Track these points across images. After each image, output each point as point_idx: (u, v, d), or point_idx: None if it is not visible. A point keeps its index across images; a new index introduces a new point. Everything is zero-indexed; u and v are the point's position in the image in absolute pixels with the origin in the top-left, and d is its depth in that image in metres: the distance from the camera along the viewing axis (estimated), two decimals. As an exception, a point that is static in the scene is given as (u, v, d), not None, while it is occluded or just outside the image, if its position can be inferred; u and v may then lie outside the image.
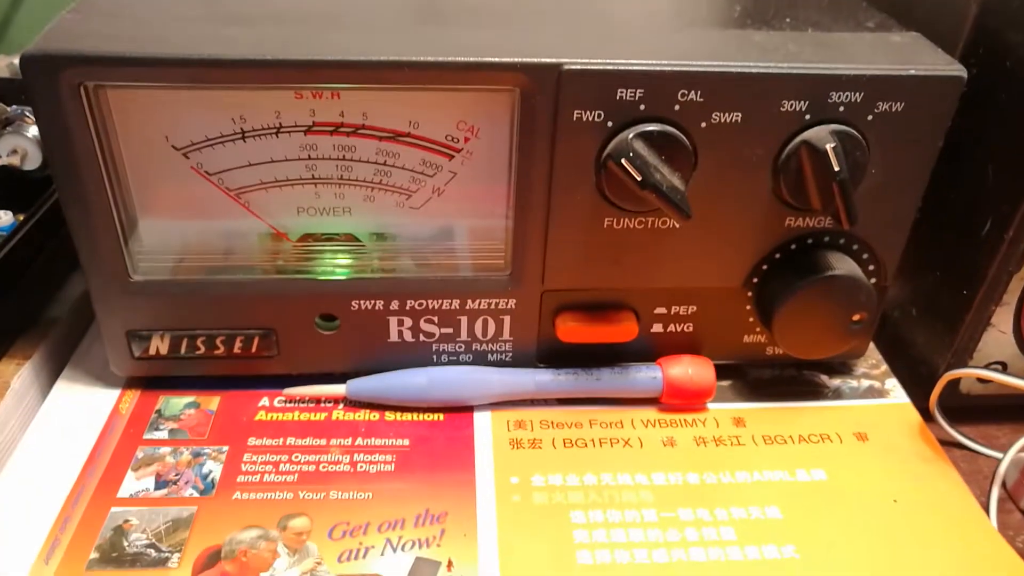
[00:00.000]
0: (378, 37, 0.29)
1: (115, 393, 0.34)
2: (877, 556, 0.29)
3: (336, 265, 0.33)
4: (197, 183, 0.31)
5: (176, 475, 0.30)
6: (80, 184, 0.29)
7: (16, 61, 0.52)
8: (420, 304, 0.33)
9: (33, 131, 0.39)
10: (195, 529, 0.28)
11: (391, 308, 0.33)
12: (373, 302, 0.33)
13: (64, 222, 0.35)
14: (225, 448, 0.32)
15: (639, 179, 0.28)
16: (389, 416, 0.34)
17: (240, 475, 0.31)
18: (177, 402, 0.33)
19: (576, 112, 0.29)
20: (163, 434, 0.32)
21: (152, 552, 0.28)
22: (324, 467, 0.31)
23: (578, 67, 0.28)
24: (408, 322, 0.33)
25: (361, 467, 0.31)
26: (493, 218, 0.32)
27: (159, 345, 0.33)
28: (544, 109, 0.29)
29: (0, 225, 0.37)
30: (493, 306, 0.33)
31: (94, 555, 0.27)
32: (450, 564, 0.28)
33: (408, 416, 0.34)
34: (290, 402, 0.34)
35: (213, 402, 0.34)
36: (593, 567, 0.28)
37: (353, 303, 0.33)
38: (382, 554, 0.28)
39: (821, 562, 0.28)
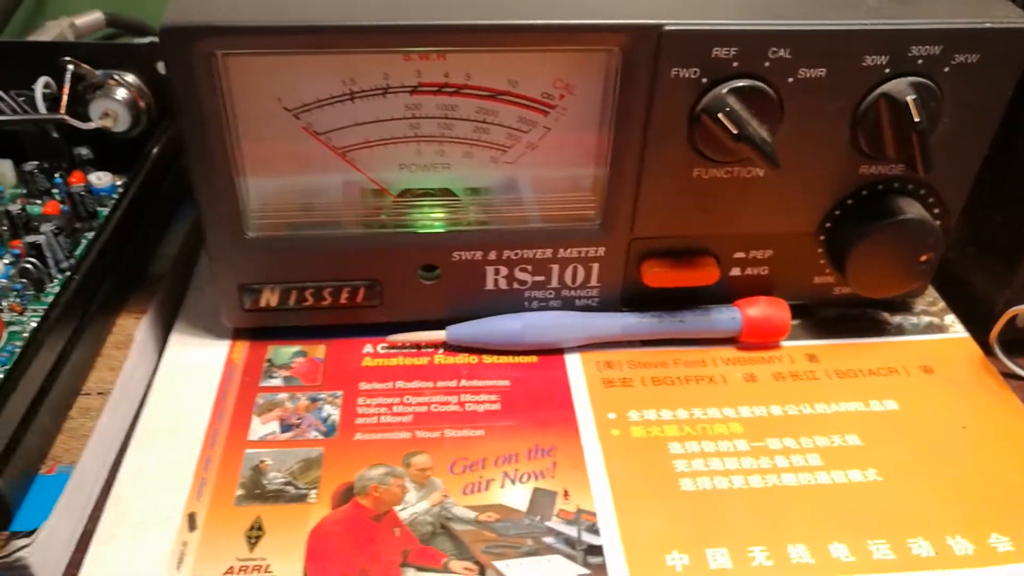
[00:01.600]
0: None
1: (226, 344, 0.36)
2: (953, 477, 0.31)
3: (433, 219, 0.35)
4: (307, 142, 0.32)
5: (298, 419, 0.32)
6: (207, 145, 0.30)
7: (77, 22, 0.53)
8: (516, 254, 0.35)
9: (121, 94, 0.41)
10: (325, 467, 0.31)
11: (489, 258, 0.35)
12: (473, 253, 0.34)
13: (159, 183, 0.37)
14: (339, 393, 0.34)
15: (735, 132, 0.30)
16: (487, 359, 0.36)
17: (358, 417, 0.33)
18: (286, 351, 0.36)
19: (674, 70, 0.30)
20: (278, 381, 0.34)
21: (291, 489, 0.30)
22: (435, 408, 0.33)
23: (678, 28, 0.30)
24: (504, 271, 0.35)
25: (469, 407, 0.33)
26: (583, 170, 0.34)
27: (269, 298, 0.35)
28: (643, 67, 0.30)
29: (102, 186, 0.39)
30: (584, 254, 0.35)
31: (240, 491, 0.30)
32: (566, 494, 0.30)
33: (504, 359, 0.36)
34: (392, 348, 0.36)
35: (319, 350, 0.36)
36: (696, 493, 0.30)
37: (454, 254, 0.34)
38: (502, 486, 0.30)
39: (903, 483, 0.31)
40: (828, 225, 0.35)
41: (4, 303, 0.32)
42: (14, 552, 0.26)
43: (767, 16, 0.30)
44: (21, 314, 0.32)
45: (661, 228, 0.34)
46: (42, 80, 0.39)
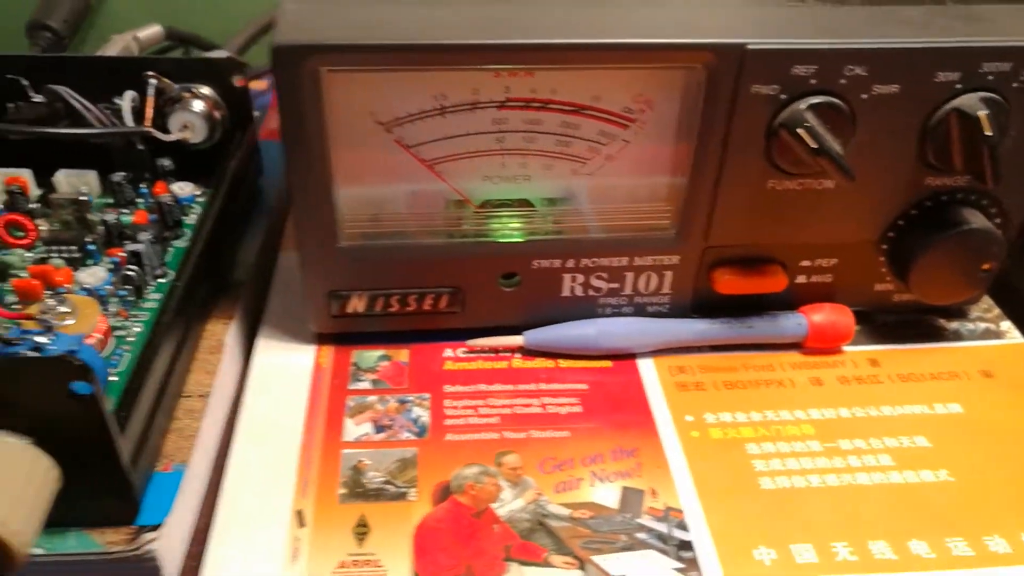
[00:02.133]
0: (572, 16, 0.32)
1: (311, 348, 0.37)
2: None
3: (512, 228, 0.36)
4: (397, 155, 0.34)
5: (390, 420, 0.34)
6: (307, 157, 0.32)
7: (140, 35, 0.54)
8: (593, 262, 0.36)
9: (198, 106, 0.42)
10: (420, 467, 0.32)
11: (567, 266, 0.36)
12: (552, 261, 0.36)
13: (237, 193, 0.39)
14: (427, 395, 0.35)
15: (814, 146, 0.31)
16: (564, 363, 0.37)
17: (446, 419, 0.34)
18: (370, 355, 0.37)
19: (754, 86, 0.32)
20: (366, 384, 0.36)
21: (391, 487, 0.31)
22: (519, 410, 0.35)
23: (761, 46, 0.31)
24: (580, 278, 0.37)
25: (551, 409, 0.35)
26: (658, 181, 0.35)
27: (356, 304, 0.36)
28: (726, 84, 0.32)
29: (183, 196, 0.40)
30: (658, 262, 0.36)
31: (342, 490, 0.31)
32: (653, 492, 0.32)
33: (580, 363, 0.37)
34: (471, 352, 0.37)
35: (402, 354, 0.37)
36: (776, 491, 0.32)
37: (534, 262, 0.36)
38: (591, 485, 0.32)
39: (975, 484, 0.32)
40: (891, 234, 0.37)
41: (111, 308, 0.33)
42: (144, 545, 0.27)
43: (842, 35, 0.32)
44: (126, 319, 0.33)
45: (734, 237, 0.36)
46: (129, 94, 0.41)
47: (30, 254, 0.37)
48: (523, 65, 0.32)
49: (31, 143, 0.41)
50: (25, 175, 0.41)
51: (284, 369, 0.36)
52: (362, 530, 0.30)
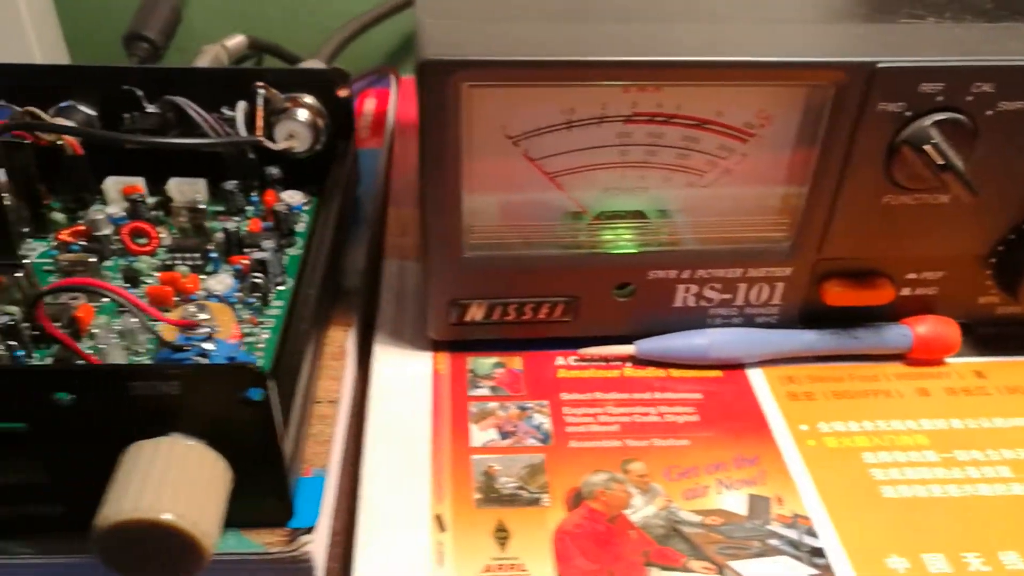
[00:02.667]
0: (700, 32, 0.32)
1: (427, 355, 0.38)
2: None
3: (626, 239, 0.37)
4: (523, 168, 0.35)
5: (513, 427, 0.35)
6: (443, 170, 0.33)
7: (228, 44, 0.55)
8: (708, 273, 0.37)
9: (302, 115, 0.43)
10: (549, 473, 0.33)
11: (682, 277, 0.37)
12: (667, 272, 0.37)
13: (344, 201, 0.40)
14: (545, 402, 0.36)
15: (941, 163, 0.32)
16: (675, 373, 0.38)
17: (567, 426, 0.35)
18: (485, 362, 0.38)
19: (881, 104, 0.32)
20: (485, 391, 0.36)
21: (524, 493, 0.32)
22: (637, 418, 0.35)
23: (891, 65, 0.32)
24: (694, 289, 0.37)
25: (669, 418, 0.35)
26: (774, 194, 0.36)
27: (475, 312, 0.37)
28: (853, 101, 0.32)
29: (294, 204, 0.41)
30: (771, 274, 0.37)
31: (477, 495, 0.32)
32: (779, 499, 0.32)
33: (691, 373, 0.38)
34: (583, 360, 0.38)
35: (515, 362, 0.38)
36: (899, 500, 0.32)
37: (650, 273, 0.37)
38: (718, 492, 0.32)
39: (1095, 495, 0.33)
40: (1001, 248, 0.37)
41: (244, 315, 0.34)
42: (302, 547, 0.28)
43: (968, 52, 0.32)
44: (255, 326, 0.34)
45: (846, 250, 0.36)
46: (242, 104, 0.41)
47: (154, 260, 0.38)
48: (656, 81, 0.33)
49: (144, 152, 0.42)
50: (139, 183, 0.42)
51: (404, 375, 0.37)
52: (502, 534, 0.30)
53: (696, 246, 0.37)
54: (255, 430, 0.26)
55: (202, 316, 0.32)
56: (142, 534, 0.23)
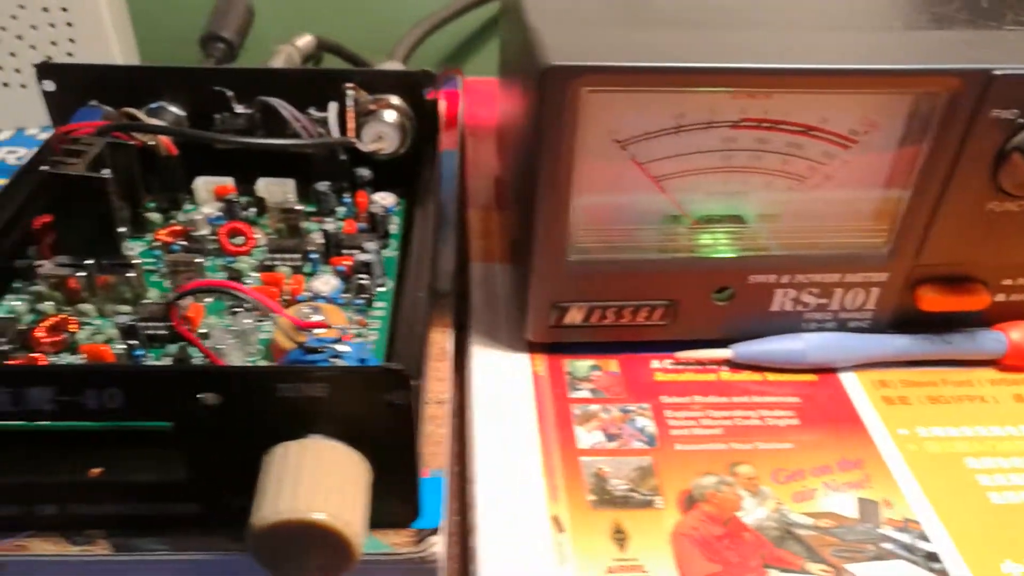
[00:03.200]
0: (812, 40, 0.33)
1: (524, 357, 0.38)
2: None
3: (724, 244, 0.37)
4: (629, 172, 0.35)
5: (618, 429, 0.35)
6: (557, 175, 0.33)
7: (299, 44, 0.55)
8: (807, 278, 0.37)
9: (390, 116, 0.43)
10: (658, 475, 0.33)
11: (782, 282, 0.37)
12: (768, 276, 0.37)
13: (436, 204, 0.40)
14: (647, 405, 0.36)
15: (1054, 170, 0.32)
16: (771, 377, 0.38)
17: (671, 429, 0.35)
18: (582, 365, 0.38)
19: (994, 111, 0.33)
20: (585, 393, 0.37)
21: (636, 495, 0.32)
22: (739, 422, 0.36)
23: (1008, 72, 0.32)
24: (792, 293, 0.37)
25: (770, 421, 0.36)
26: (873, 200, 0.36)
27: (575, 315, 0.37)
28: (966, 108, 0.33)
29: (389, 206, 0.41)
30: (868, 279, 0.37)
31: (591, 496, 0.32)
32: (887, 503, 0.32)
33: (786, 377, 0.38)
34: (678, 364, 0.38)
35: (611, 364, 0.38)
36: (1008, 506, 0.33)
37: (750, 278, 0.37)
38: (826, 495, 0.33)
39: None
40: (1096, 254, 0.37)
41: (352, 317, 0.35)
42: (430, 547, 0.28)
43: (1079, 60, 0.32)
44: (364, 328, 0.35)
45: (945, 256, 0.37)
46: (334, 106, 0.42)
47: (251, 260, 0.38)
48: (774, 88, 0.33)
49: (232, 152, 0.42)
50: (229, 183, 0.42)
51: (504, 377, 0.37)
52: (620, 536, 0.31)
53: (795, 251, 0.37)
54: (395, 432, 0.26)
55: (316, 318, 0.33)
56: (297, 534, 0.24)
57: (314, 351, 0.27)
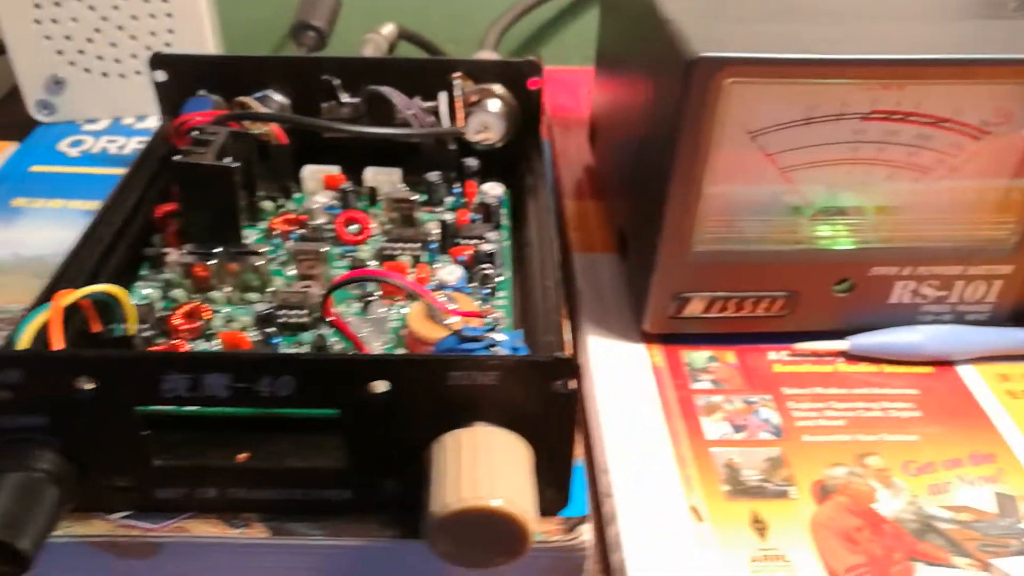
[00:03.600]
0: (947, 30, 0.33)
1: (640, 347, 0.38)
2: None
3: (844, 235, 0.37)
4: (757, 163, 0.35)
5: (743, 420, 0.35)
6: (693, 166, 0.33)
7: (384, 32, 0.55)
8: (928, 270, 0.37)
9: (494, 106, 0.43)
10: (788, 466, 0.33)
11: (903, 274, 0.37)
12: (889, 268, 0.37)
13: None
14: (768, 396, 0.36)
15: None
16: (887, 369, 0.38)
17: (796, 420, 0.35)
18: (699, 356, 0.38)
19: None
20: (706, 384, 0.37)
21: (769, 485, 0.32)
22: (862, 413, 0.36)
23: None
24: (912, 285, 0.37)
25: (892, 413, 0.36)
26: (999, 192, 0.36)
27: (696, 306, 0.37)
28: (1105, 99, 0.32)
29: (499, 195, 0.41)
30: (991, 272, 0.37)
31: (725, 487, 0.32)
32: None
33: (903, 369, 0.38)
34: (795, 355, 0.38)
35: (728, 355, 0.38)
36: None
37: (872, 270, 0.37)
38: (959, 489, 0.33)
39: None
40: None
41: (482, 305, 0.35)
42: (581, 535, 0.28)
43: None
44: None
45: (1072, 248, 0.36)
46: (444, 96, 0.42)
47: (367, 249, 0.39)
48: (913, 80, 0.33)
49: (339, 141, 0.42)
50: (336, 171, 0.42)
51: (623, 368, 0.37)
52: (759, 525, 0.31)
53: (917, 243, 0.37)
54: (558, 421, 0.26)
55: (451, 306, 0.33)
56: (476, 522, 0.24)
57: (472, 340, 0.27)
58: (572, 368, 0.25)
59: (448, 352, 0.28)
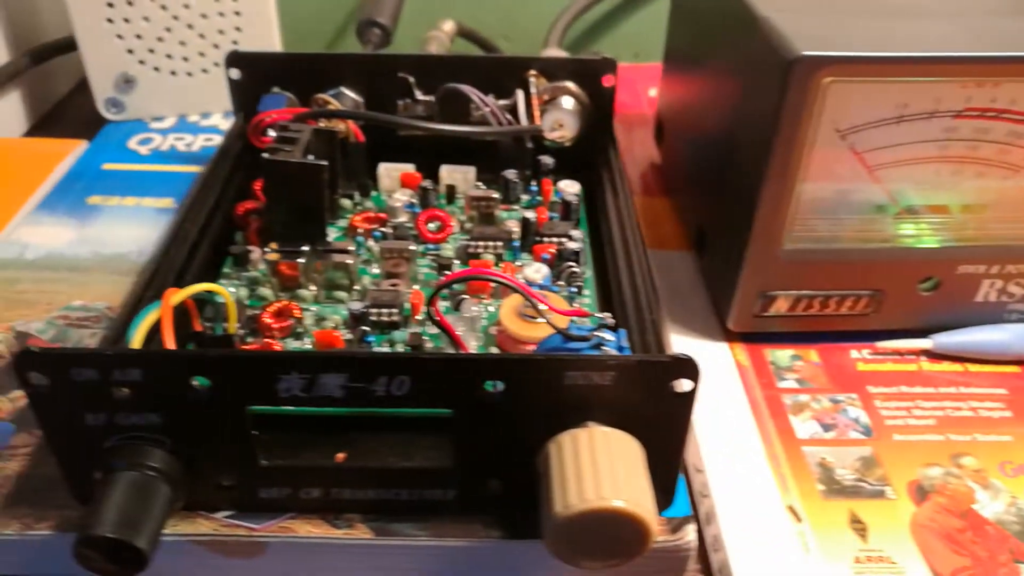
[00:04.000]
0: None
1: (722, 346, 0.38)
2: None
3: (927, 234, 0.37)
4: (847, 161, 0.35)
5: (832, 419, 0.35)
6: (787, 164, 0.33)
7: (446, 29, 0.55)
8: (1016, 268, 0.37)
9: (568, 103, 0.43)
10: (882, 466, 0.33)
11: (990, 272, 0.37)
12: (976, 267, 0.36)
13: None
14: (854, 395, 0.36)
15: None
16: (972, 368, 0.38)
17: (885, 419, 0.35)
18: (782, 354, 0.38)
19: None
20: (791, 383, 0.36)
21: (865, 485, 0.32)
22: (951, 412, 0.35)
23: None
24: (999, 284, 0.37)
25: (982, 413, 0.35)
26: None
27: (781, 305, 0.37)
28: None
29: (576, 193, 0.41)
30: (1079, 270, 0.37)
31: (820, 487, 0.32)
32: (1123, 498, 0.32)
33: (988, 368, 0.38)
34: (876, 354, 0.38)
35: (811, 354, 0.38)
36: None
37: (959, 268, 0.36)
38: (1058, 489, 0.32)
39: None
40: None
41: (574, 304, 0.35)
42: (686, 536, 0.28)
43: None
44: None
45: None
46: (522, 94, 0.42)
47: (450, 246, 0.39)
48: (1006, 77, 0.32)
49: (412, 139, 0.42)
50: (410, 169, 0.42)
51: (707, 366, 0.36)
52: (859, 526, 0.30)
53: (1006, 241, 0.36)
54: (673, 421, 0.26)
55: (541, 305, 0.33)
56: (599, 523, 0.24)
57: (579, 339, 0.27)
58: (693, 368, 0.25)
59: (554, 351, 0.28)
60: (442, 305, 0.35)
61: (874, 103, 0.33)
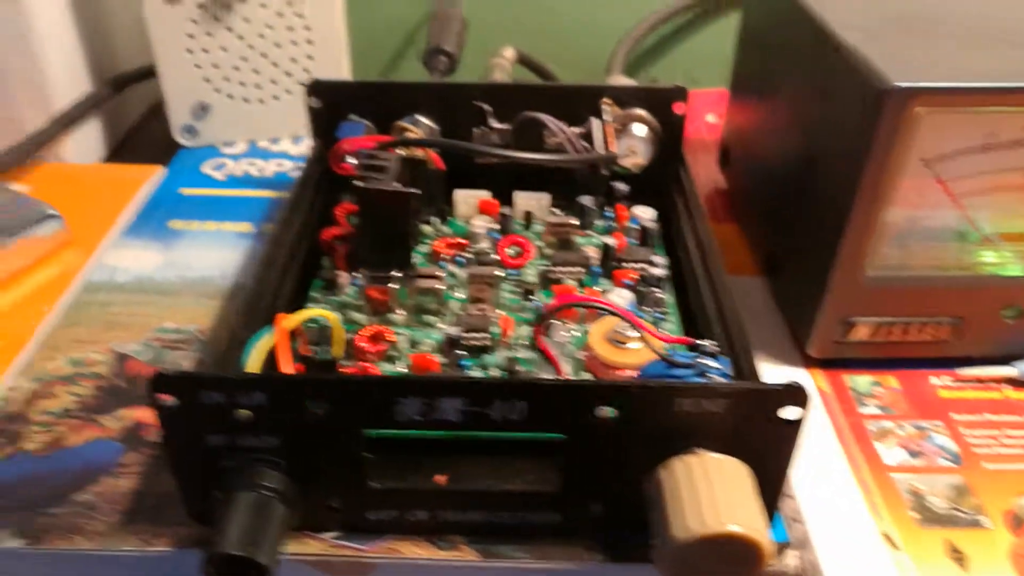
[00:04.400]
0: None
1: (802, 372, 0.38)
2: None
3: (1010, 261, 0.37)
4: (931, 189, 0.35)
5: (917, 447, 0.35)
6: (876, 192, 0.33)
7: (508, 55, 0.56)
8: (1100, 295, 0.37)
9: (640, 130, 0.44)
10: (975, 495, 0.33)
11: (1072, 300, 0.37)
12: (1060, 295, 0.37)
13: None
14: (939, 423, 0.36)
15: None
16: (1056, 395, 0.38)
17: (971, 447, 0.35)
18: (862, 380, 0.38)
19: None
20: (873, 410, 0.37)
21: (959, 514, 0.32)
22: (1039, 441, 0.35)
23: None
24: (1082, 312, 0.37)
25: (1072, 441, 0.35)
26: None
27: (862, 331, 0.37)
28: None
29: (649, 219, 0.42)
30: None
31: (914, 514, 0.32)
32: None
33: (1072, 395, 0.38)
34: (957, 381, 0.38)
35: (890, 380, 0.38)
36: None
37: (1045, 296, 0.37)
38: None
39: None
40: None
41: (663, 329, 0.35)
42: (789, 561, 0.28)
43: None
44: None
45: None
46: (597, 122, 0.42)
47: (529, 272, 0.39)
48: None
49: (487, 166, 0.43)
50: (486, 196, 0.43)
51: (789, 392, 0.37)
52: (958, 556, 0.31)
53: (1087, 269, 0.37)
54: (780, 447, 0.27)
55: (630, 333, 0.33)
56: (714, 547, 0.24)
57: (684, 366, 0.28)
58: (803, 396, 0.25)
59: (658, 377, 0.28)
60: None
61: (962, 132, 0.34)
